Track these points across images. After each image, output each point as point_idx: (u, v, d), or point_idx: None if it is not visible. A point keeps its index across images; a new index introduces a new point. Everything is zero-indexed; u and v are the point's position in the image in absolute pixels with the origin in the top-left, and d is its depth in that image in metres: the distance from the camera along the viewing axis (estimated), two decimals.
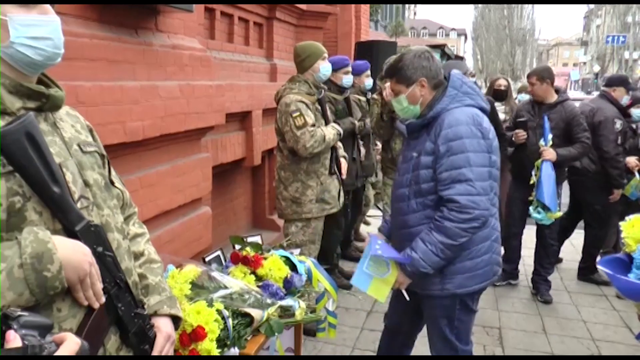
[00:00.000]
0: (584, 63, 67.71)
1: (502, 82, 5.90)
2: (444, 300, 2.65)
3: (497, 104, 5.52)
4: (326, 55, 4.08)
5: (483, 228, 2.51)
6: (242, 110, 5.02)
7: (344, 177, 4.28)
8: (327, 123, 4.07)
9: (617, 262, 2.25)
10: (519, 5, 56.76)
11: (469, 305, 2.69)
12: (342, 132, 4.14)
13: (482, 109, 2.59)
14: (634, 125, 5.56)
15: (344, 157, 4.32)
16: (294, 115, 3.80)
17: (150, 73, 3.21)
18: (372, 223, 7.09)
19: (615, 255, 2.34)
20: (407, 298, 2.67)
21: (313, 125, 3.84)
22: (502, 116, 5.55)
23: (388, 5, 31.03)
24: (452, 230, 2.44)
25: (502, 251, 3.04)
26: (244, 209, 5.85)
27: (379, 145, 5.69)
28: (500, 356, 3.98)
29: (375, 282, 2.66)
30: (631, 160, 5.27)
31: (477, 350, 3.66)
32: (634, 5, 45.92)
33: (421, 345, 3.12)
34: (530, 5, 59.34)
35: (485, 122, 2.54)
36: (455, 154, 2.44)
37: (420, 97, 2.62)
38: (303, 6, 6.53)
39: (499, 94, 5.74)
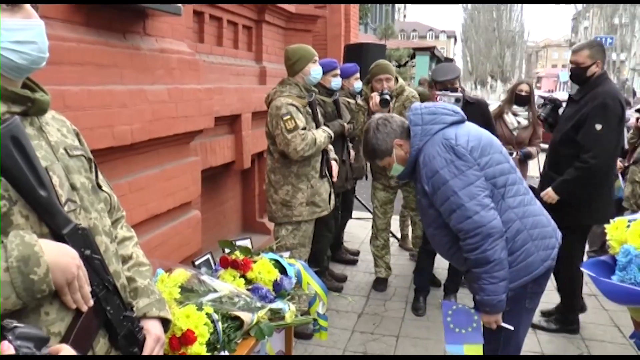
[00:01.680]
0: None
1: (523, 87, 5.56)
2: None
3: (519, 109, 5.44)
4: (317, 58, 4.09)
5: (509, 228, 2.52)
6: (231, 114, 5.02)
7: (334, 180, 4.29)
8: (317, 126, 4.07)
9: (602, 265, 2.25)
10: (508, 7, 57.10)
11: (521, 301, 2.67)
12: (332, 135, 4.15)
13: (453, 122, 2.62)
14: None
15: (335, 159, 4.33)
16: (285, 118, 3.80)
17: (139, 77, 3.20)
18: (363, 225, 7.09)
19: (599, 258, 2.34)
20: (512, 328, 2.63)
21: (304, 128, 3.84)
22: (524, 122, 5.40)
23: (378, 8, 31.11)
24: (479, 258, 2.47)
25: None
26: (234, 213, 5.84)
27: None
28: (498, 356, 3.99)
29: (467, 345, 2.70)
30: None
31: None
32: (621, 7, 46.29)
33: (421, 347, 3.13)
34: (519, 8, 59.74)
35: (459, 135, 2.55)
36: (439, 188, 2.52)
37: (406, 154, 2.70)
38: (292, 9, 6.53)
39: (520, 99, 5.48)
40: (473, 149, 2.52)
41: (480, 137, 2.60)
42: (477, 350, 2.67)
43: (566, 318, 4.37)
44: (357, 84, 5.34)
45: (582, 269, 2.32)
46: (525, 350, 4.00)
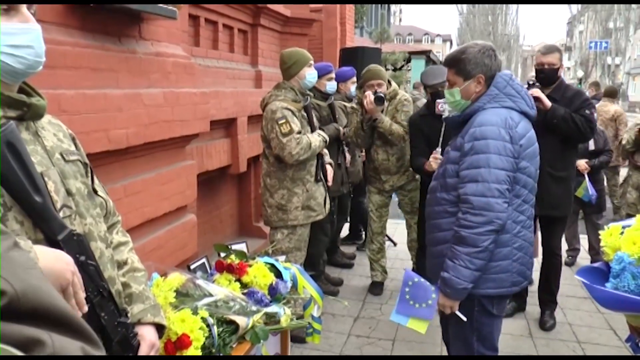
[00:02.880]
0: (568, 68, 68.27)
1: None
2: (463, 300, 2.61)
3: None
4: (312, 62, 4.09)
5: (503, 233, 2.49)
6: (227, 117, 5.02)
7: (330, 184, 4.29)
8: (313, 130, 4.07)
9: (596, 272, 2.24)
10: (503, 11, 57.29)
11: (487, 308, 2.65)
12: (328, 139, 4.15)
13: (525, 113, 2.59)
14: None
15: (330, 163, 4.33)
16: (280, 122, 3.80)
17: (134, 81, 3.20)
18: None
19: (594, 265, 2.34)
20: (464, 319, 2.61)
21: (299, 132, 3.84)
22: None
23: (373, 11, 31.15)
24: (471, 237, 2.44)
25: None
26: (229, 216, 5.83)
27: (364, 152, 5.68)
28: (496, 356, 4.00)
29: (413, 319, 2.69)
30: (581, 163, 5.39)
31: None
32: (615, 12, 46.49)
33: (417, 350, 3.14)
34: (514, 12, 60.01)
35: (521, 126, 2.52)
36: (477, 153, 2.46)
37: (474, 93, 2.62)
38: (288, 13, 6.54)
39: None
40: (522, 147, 2.51)
41: (534, 144, 2.60)
42: (422, 326, 2.68)
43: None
44: (354, 88, 5.35)
45: (576, 276, 2.32)
46: (522, 354, 4.03)
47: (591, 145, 5.60)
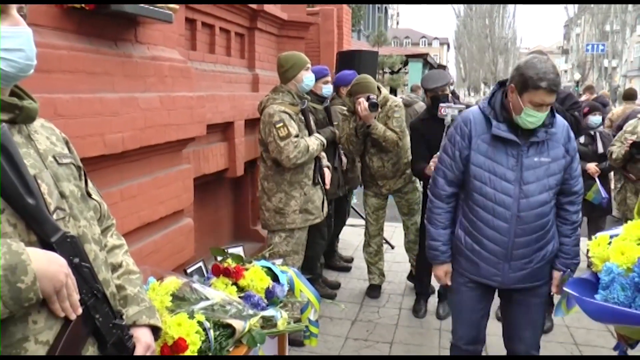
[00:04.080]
0: (565, 71, 68.48)
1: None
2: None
3: None
4: (309, 65, 4.09)
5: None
6: (224, 121, 5.01)
7: (327, 187, 4.29)
8: (310, 133, 4.07)
9: (584, 284, 2.20)
10: (500, 14, 57.39)
11: None
12: (325, 142, 4.15)
13: None
14: (592, 132, 5.69)
15: (328, 167, 4.33)
16: (278, 125, 3.80)
17: (130, 84, 3.20)
18: (356, 232, 7.08)
19: (582, 276, 2.31)
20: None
21: (297, 136, 3.84)
22: None
23: (370, 15, 31.22)
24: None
25: None
26: (227, 220, 5.83)
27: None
28: (496, 356, 4.01)
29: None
30: (591, 166, 5.41)
31: None
32: (612, 14, 46.59)
33: (414, 353, 3.14)
34: (511, 15, 60.10)
35: None
36: (575, 154, 2.82)
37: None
38: (284, 16, 6.55)
39: None
40: None
41: None
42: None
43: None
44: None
45: (565, 288, 2.28)
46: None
47: (600, 148, 5.60)
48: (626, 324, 2.01)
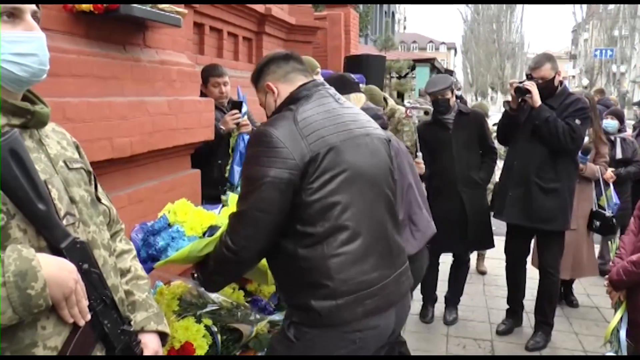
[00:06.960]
0: (573, 76, 68.28)
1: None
2: None
3: None
4: (319, 69, 4.09)
5: None
6: None
7: None
8: None
9: None
10: (508, 19, 57.34)
11: None
12: None
13: None
14: (612, 138, 5.61)
15: None
16: None
17: (139, 89, 3.21)
18: None
19: None
20: None
21: None
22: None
23: (378, 19, 31.23)
24: None
25: None
26: None
27: None
28: (497, 356, 4.00)
29: None
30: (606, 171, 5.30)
31: None
32: (620, 20, 46.44)
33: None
34: (518, 19, 60.03)
35: None
36: None
37: None
38: (292, 20, 6.56)
39: None
40: None
41: None
42: None
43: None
44: None
45: None
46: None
47: (618, 153, 5.51)
48: None
